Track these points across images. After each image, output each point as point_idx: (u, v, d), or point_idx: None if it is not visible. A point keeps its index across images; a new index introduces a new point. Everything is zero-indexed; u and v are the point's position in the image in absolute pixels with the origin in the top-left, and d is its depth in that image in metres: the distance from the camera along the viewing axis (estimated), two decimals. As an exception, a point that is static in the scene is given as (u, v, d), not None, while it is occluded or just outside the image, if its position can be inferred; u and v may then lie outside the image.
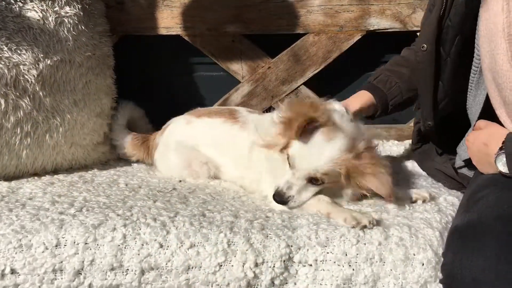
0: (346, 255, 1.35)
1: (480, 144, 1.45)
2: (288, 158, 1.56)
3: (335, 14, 2.26)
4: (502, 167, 1.36)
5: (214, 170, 1.89)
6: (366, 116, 1.82)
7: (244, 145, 1.77)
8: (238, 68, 2.36)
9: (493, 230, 1.23)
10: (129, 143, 2.09)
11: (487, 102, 1.51)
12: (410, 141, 2.24)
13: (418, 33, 1.93)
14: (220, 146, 1.88)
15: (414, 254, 1.34)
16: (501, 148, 1.37)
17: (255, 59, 2.35)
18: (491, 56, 1.41)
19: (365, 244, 1.36)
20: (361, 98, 1.82)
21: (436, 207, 1.55)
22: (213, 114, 1.94)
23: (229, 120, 1.88)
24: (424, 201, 1.60)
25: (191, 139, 1.93)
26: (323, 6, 2.25)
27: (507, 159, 1.35)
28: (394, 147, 2.24)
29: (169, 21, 2.29)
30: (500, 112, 1.46)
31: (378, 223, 1.43)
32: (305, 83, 2.35)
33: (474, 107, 1.60)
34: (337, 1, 2.25)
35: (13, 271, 1.35)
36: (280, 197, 1.55)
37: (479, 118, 1.56)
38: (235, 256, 1.35)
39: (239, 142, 1.81)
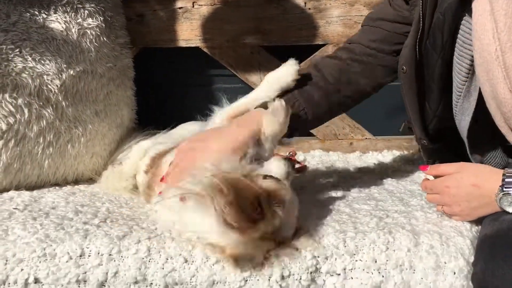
0: (376, 262, 1.32)
1: (469, 187, 1.38)
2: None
3: (354, 25, 2.25)
4: (509, 207, 1.31)
5: None
6: None
7: None
8: (256, 80, 2.35)
9: None
10: None
11: (472, 127, 1.48)
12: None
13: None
14: None
15: (445, 263, 1.30)
16: (502, 188, 1.31)
17: (273, 70, 2.34)
18: (491, 85, 1.36)
19: (394, 250, 1.33)
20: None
21: (465, 215, 1.51)
22: None
23: None
24: None
25: None
26: (342, 16, 2.25)
27: None
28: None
29: (188, 33, 2.30)
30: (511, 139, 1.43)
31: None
32: (323, 94, 2.33)
33: (461, 130, 1.55)
34: (356, 11, 2.25)
35: (36, 281, 1.33)
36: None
37: (468, 141, 1.52)
38: (261, 270, 1.32)
39: None
